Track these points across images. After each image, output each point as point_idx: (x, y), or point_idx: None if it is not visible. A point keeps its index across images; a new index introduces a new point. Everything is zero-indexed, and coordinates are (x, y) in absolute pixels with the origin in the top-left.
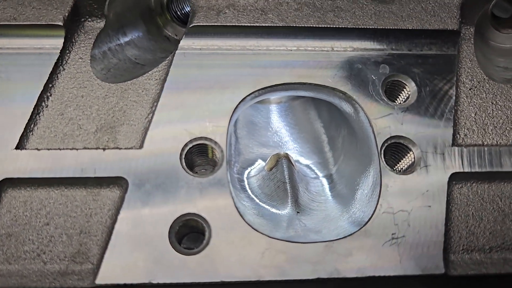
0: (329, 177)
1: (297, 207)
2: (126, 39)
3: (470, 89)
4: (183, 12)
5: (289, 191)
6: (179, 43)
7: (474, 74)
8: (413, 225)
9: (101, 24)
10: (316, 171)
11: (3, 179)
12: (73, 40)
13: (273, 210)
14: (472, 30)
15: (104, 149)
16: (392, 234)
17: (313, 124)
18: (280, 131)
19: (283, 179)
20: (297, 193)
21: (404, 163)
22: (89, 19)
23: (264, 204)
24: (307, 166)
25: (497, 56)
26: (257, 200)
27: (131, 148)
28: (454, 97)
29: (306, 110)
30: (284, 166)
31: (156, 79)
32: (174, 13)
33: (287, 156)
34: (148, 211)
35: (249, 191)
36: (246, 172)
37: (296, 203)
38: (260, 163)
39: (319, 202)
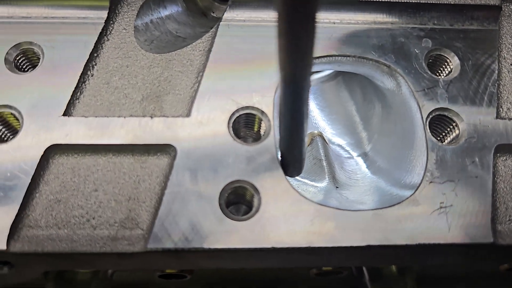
0: (364, 156)
1: (336, 182)
2: (166, 12)
3: (511, 65)
4: None
5: (325, 167)
6: (217, 20)
7: None
8: (461, 195)
9: None
10: (350, 151)
11: (51, 145)
12: (117, 11)
13: (312, 183)
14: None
15: (151, 116)
16: (440, 203)
17: (345, 105)
18: (312, 113)
19: (319, 156)
20: (334, 169)
21: (449, 134)
22: None
23: (303, 179)
24: (340, 146)
25: None
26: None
27: (178, 116)
28: (496, 72)
29: (337, 92)
30: (319, 144)
31: (201, 50)
32: None
33: (321, 135)
34: (197, 177)
35: None
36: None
37: (333, 179)
38: None
39: (356, 180)
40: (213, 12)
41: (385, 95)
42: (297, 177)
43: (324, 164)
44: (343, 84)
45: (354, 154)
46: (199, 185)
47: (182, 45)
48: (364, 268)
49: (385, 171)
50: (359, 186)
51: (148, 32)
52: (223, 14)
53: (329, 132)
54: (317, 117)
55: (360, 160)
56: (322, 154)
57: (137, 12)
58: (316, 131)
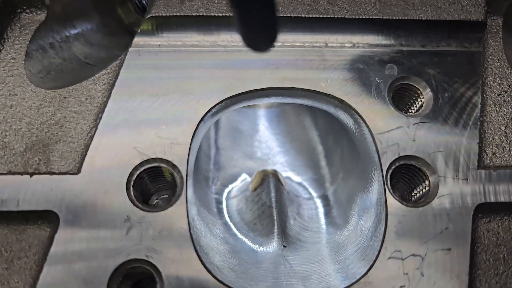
0: (325, 199)
1: (284, 238)
2: (75, 31)
3: (498, 95)
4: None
5: (275, 218)
6: None
7: (504, 76)
8: (428, 274)
9: (41, 16)
10: (310, 189)
11: None
12: (5, 36)
13: (253, 245)
14: (500, 21)
15: (32, 174)
16: (401, 287)
17: (308, 133)
18: (270, 141)
19: (269, 203)
20: (286, 220)
21: (418, 190)
22: (27, 10)
23: (243, 236)
24: (300, 183)
25: None
26: (235, 230)
27: (66, 172)
28: (479, 106)
29: (300, 116)
30: (271, 186)
31: (104, 84)
32: (139, 2)
33: (275, 174)
34: (83, 255)
35: (226, 216)
36: (227, 190)
37: (283, 233)
38: (244, 179)
39: (311, 231)
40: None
41: (347, 130)
42: (236, 233)
43: (274, 213)
44: (307, 110)
45: (315, 194)
46: (86, 265)
47: (88, 75)
48: None
49: (339, 228)
50: (309, 244)
51: (45, 59)
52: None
53: (289, 164)
54: (276, 147)
55: (319, 203)
56: (273, 199)
57: (32, 35)
58: (269, 169)
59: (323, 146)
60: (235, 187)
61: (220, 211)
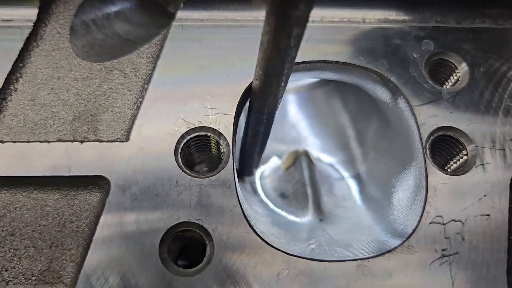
0: (357, 178)
1: (320, 213)
2: (115, 8)
3: None
4: None
5: (309, 194)
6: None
7: None
8: (469, 239)
9: None
10: (341, 170)
11: None
12: (50, 11)
13: (291, 217)
14: None
15: (82, 141)
16: (443, 250)
17: (338, 116)
18: (299, 125)
19: (303, 180)
20: (320, 196)
21: (455, 160)
22: None
23: (280, 210)
24: (330, 165)
25: None
26: (272, 206)
27: (114, 141)
28: None
29: (329, 100)
30: (304, 165)
31: (148, 57)
32: None
33: (306, 154)
34: (135, 219)
35: (261, 194)
36: (259, 171)
37: (318, 208)
38: (275, 162)
39: (345, 208)
40: (176, 9)
41: (381, 107)
42: (273, 208)
43: (308, 190)
44: (335, 92)
45: (346, 174)
46: (137, 229)
47: (130, 50)
48: None
49: (377, 201)
50: (346, 219)
51: (88, 35)
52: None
53: (318, 147)
54: (305, 130)
55: (351, 183)
56: (306, 177)
57: (76, 11)
58: (301, 149)
59: (354, 129)
60: (267, 168)
61: (254, 189)
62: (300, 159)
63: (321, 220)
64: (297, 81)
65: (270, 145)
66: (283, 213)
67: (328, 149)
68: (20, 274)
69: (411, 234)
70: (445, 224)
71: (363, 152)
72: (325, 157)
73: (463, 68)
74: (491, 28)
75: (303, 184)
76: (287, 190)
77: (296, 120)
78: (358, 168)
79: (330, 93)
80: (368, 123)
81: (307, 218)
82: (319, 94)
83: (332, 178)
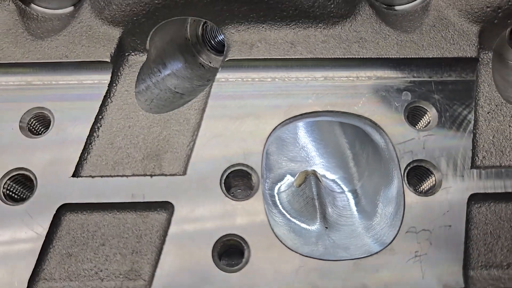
0: (354, 192)
1: (326, 222)
2: (167, 70)
3: (488, 113)
4: (216, 40)
5: (317, 207)
6: (214, 70)
7: (492, 98)
8: (435, 243)
9: (143, 57)
10: (342, 185)
11: (62, 205)
12: (119, 74)
13: (303, 225)
14: (490, 54)
15: (151, 175)
16: (415, 252)
17: (338, 140)
18: (307, 147)
19: (312, 196)
20: (325, 208)
21: (426, 184)
22: (133, 54)
23: (295, 220)
24: (333, 180)
25: None
26: (288, 215)
27: (175, 174)
28: (472, 121)
29: (331, 127)
30: (312, 183)
31: (196, 109)
32: (208, 42)
33: (314, 173)
34: (193, 231)
35: (280, 206)
36: (277, 187)
37: (324, 218)
38: (289, 178)
39: (346, 217)
40: (210, 63)
41: (372, 140)
42: (289, 217)
43: (316, 203)
44: (337, 122)
45: (346, 189)
46: (194, 238)
47: (180, 103)
48: None
49: (368, 213)
50: (347, 225)
51: (148, 91)
52: (218, 68)
53: (323, 165)
54: (312, 151)
55: (350, 196)
56: (314, 193)
57: (138, 73)
58: (310, 169)
59: (351, 151)
60: (282, 184)
61: (274, 203)
62: (309, 178)
63: (326, 228)
64: None
65: (284, 164)
66: (297, 222)
67: (331, 167)
68: (111, 273)
69: (392, 240)
70: (418, 232)
71: (359, 171)
72: (329, 174)
73: (433, 113)
74: (456, 80)
75: (312, 199)
76: (299, 203)
77: (304, 143)
78: (355, 184)
79: (333, 122)
80: (363, 147)
81: (315, 226)
82: (323, 122)
83: (335, 191)
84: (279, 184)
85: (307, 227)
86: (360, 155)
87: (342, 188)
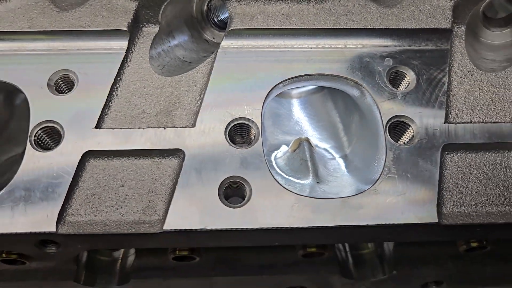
0: (345, 157)
1: (317, 178)
2: (175, 42)
3: (460, 77)
4: (219, 19)
5: (310, 167)
6: (217, 45)
7: (465, 65)
8: (412, 185)
9: (156, 29)
10: (333, 153)
11: (86, 151)
12: (135, 42)
13: (297, 180)
14: (463, 28)
15: (164, 127)
16: (395, 192)
17: (330, 114)
18: (301, 121)
19: (305, 158)
20: (317, 168)
21: (405, 137)
22: (147, 25)
23: (290, 177)
24: (325, 149)
25: (486, 51)
26: (284, 175)
27: (186, 126)
28: (446, 84)
29: (323, 103)
30: (306, 148)
31: (203, 72)
32: (212, 20)
33: (307, 140)
34: (201, 175)
35: (277, 168)
36: (273, 154)
37: (316, 175)
38: (284, 148)
39: (335, 177)
40: (214, 38)
41: (358, 105)
42: (285, 176)
43: (309, 164)
44: (329, 97)
45: (336, 155)
46: (203, 180)
47: (188, 68)
48: (348, 253)
49: (358, 168)
50: (337, 181)
51: (160, 58)
52: (221, 40)
53: (316, 137)
54: (306, 125)
55: (341, 161)
56: (307, 156)
57: (151, 42)
58: (303, 137)
59: (342, 123)
60: (279, 152)
61: (271, 166)
62: (303, 144)
63: (318, 182)
64: (301, 88)
65: (280, 137)
66: (292, 179)
67: (323, 138)
68: (130, 210)
69: (375, 182)
70: (397, 176)
71: (349, 139)
72: (321, 144)
73: (412, 77)
74: (432, 49)
75: (305, 161)
76: (294, 165)
77: (299, 118)
78: (345, 151)
79: (324, 97)
80: (351, 118)
81: (308, 181)
82: (315, 98)
83: (326, 158)
84: (275, 152)
85: (301, 182)
86: (349, 124)
87: (333, 155)
